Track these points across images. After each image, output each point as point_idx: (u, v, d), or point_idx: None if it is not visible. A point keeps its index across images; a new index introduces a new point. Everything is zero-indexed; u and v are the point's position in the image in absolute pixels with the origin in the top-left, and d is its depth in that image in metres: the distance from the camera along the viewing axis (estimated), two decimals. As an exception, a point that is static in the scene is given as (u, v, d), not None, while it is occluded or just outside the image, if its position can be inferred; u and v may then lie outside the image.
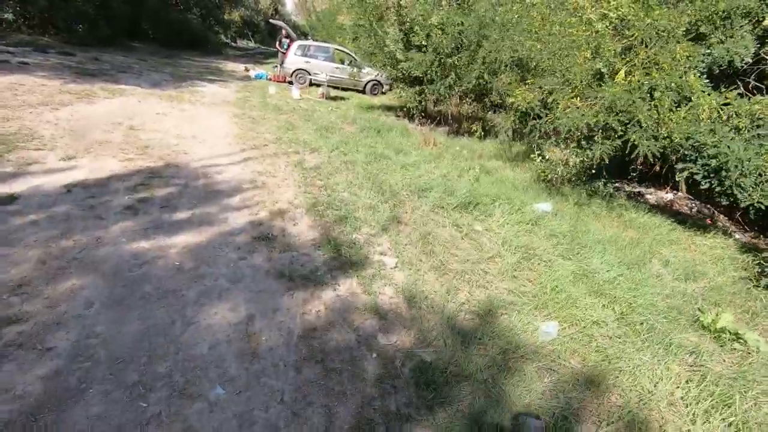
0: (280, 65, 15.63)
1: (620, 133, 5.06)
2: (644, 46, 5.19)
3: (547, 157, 7.20)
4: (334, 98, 13.50)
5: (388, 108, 12.82)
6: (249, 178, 5.54)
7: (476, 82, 9.12)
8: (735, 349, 3.26)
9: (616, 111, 5.04)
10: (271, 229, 4.31)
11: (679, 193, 7.54)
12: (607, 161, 5.29)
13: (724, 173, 4.76)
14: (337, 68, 14.98)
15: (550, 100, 5.78)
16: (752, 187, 4.66)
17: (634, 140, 4.95)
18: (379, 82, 15.52)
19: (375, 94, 15.79)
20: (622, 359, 2.94)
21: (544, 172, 7.08)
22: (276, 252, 3.91)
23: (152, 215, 4.15)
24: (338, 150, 7.39)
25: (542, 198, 6.37)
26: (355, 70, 13.12)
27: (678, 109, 4.96)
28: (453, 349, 2.88)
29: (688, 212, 7.21)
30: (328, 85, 13.65)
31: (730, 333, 3.29)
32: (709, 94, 4.97)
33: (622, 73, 5.31)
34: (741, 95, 4.98)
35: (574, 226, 5.25)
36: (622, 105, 4.89)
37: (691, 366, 3.00)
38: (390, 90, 15.29)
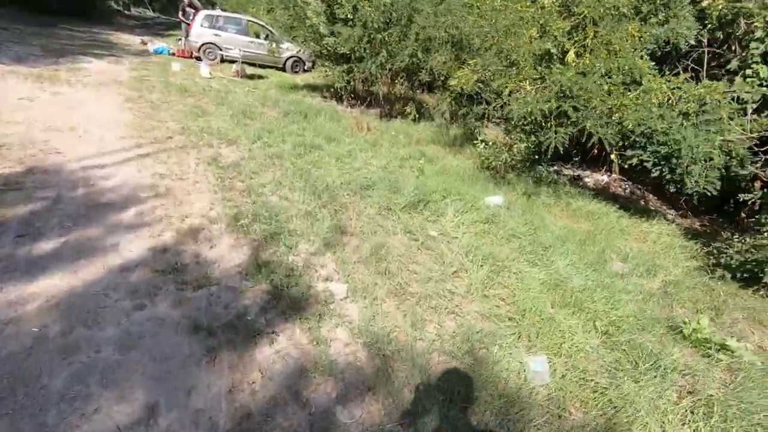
0: (185, 38, 13.61)
1: (574, 119, 4.71)
2: (593, 25, 4.83)
3: (490, 143, 6.80)
4: (251, 77, 12.04)
5: (313, 88, 11.71)
6: (148, 183, 4.38)
7: (409, 60, 8.43)
8: (721, 360, 3.03)
9: (570, 96, 4.66)
10: (180, 256, 3.33)
11: (613, 175, 7.62)
12: (561, 150, 4.94)
13: (674, 160, 4.62)
14: (251, 43, 13.38)
15: (497, 84, 5.28)
16: (699, 174, 4.57)
17: (590, 127, 4.62)
18: (300, 58, 14.21)
19: (296, 72, 14.47)
20: (624, 398, 2.53)
21: (488, 159, 6.68)
22: (189, 290, 2.97)
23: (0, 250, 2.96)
24: (261, 141, 6.34)
25: (490, 189, 5.96)
26: (273, 45, 11.74)
27: (628, 93, 4.70)
28: (436, 418, 2.25)
29: (623, 194, 7.30)
30: (243, 62, 12.13)
31: (715, 344, 3.05)
32: (655, 77, 4.77)
33: (572, 54, 4.94)
34: (687, 79, 4.88)
35: (530, 222, 4.87)
36: (577, 90, 4.50)
37: (690, 393, 2.68)
38: (313, 67, 14.07)
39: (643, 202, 7.01)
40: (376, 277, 3.43)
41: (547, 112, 4.82)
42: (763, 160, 4.73)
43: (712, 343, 3.07)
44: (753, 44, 4.87)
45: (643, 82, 4.72)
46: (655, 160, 4.83)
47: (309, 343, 2.66)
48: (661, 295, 3.95)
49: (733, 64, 5.10)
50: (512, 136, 6.05)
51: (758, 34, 4.81)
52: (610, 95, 4.72)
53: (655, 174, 4.86)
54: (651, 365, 2.83)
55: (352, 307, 3.07)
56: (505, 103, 5.34)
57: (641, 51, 4.77)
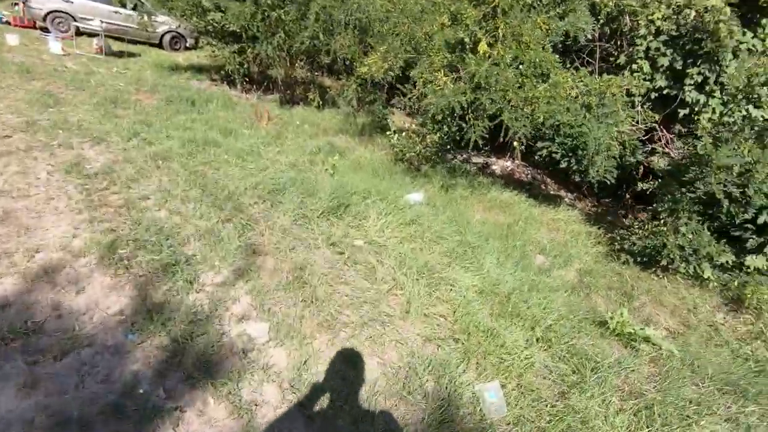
0: (23, 2, 10.97)
1: (491, 112, 4.62)
2: (504, 15, 4.74)
3: (402, 133, 6.55)
4: (119, 54, 10.17)
5: (199, 69, 10.31)
6: (-27, 206, 3.27)
7: (310, 42, 7.74)
8: (644, 350, 3.18)
9: (486, 88, 4.54)
10: (31, 310, 2.47)
11: (516, 161, 7.95)
12: (481, 143, 4.85)
13: (580, 152, 4.82)
14: (116, 13, 11.31)
15: (411, 73, 4.98)
16: (600, 164, 4.83)
17: (507, 121, 4.57)
18: (180, 34, 12.47)
19: (177, 50, 12.70)
20: (576, 414, 2.45)
21: (402, 151, 6.43)
22: (46, 362, 2.19)
23: None
24: (138, 137, 5.26)
25: (408, 185, 5.72)
26: (145, 17, 10.01)
27: (538, 86, 4.73)
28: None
29: (526, 179, 7.66)
30: (106, 36, 10.18)
31: (639, 336, 3.19)
32: (561, 71, 4.88)
33: (484, 44, 4.81)
34: (589, 73, 5.11)
35: (453, 220, 4.74)
36: (495, 82, 4.39)
37: (631, 394, 2.73)
38: (197, 45, 12.44)
39: (543, 187, 7.42)
40: (301, 307, 2.93)
41: (465, 104, 4.65)
42: (649, 149, 5.18)
43: (636, 336, 3.20)
44: (638, 41, 5.26)
45: (551, 75, 4.79)
46: (563, 151, 5.00)
47: (228, 416, 2.10)
48: (580, 286, 4.10)
49: (622, 59, 5.49)
50: (426, 127, 5.85)
51: (642, 31, 5.20)
52: (521, 88, 4.71)
53: (564, 165, 5.05)
54: (592, 370, 2.82)
55: (277, 353, 2.55)
56: (421, 93, 5.07)
57: (548, 43, 4.82)
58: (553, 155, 5.08)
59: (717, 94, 5.13)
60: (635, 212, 6.86)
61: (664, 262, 4.18)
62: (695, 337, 3.61)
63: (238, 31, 8.03)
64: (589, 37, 5.54)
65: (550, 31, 4.72)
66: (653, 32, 5.16)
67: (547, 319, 3.23)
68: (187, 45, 12.92)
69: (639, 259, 4.45)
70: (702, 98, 5.16)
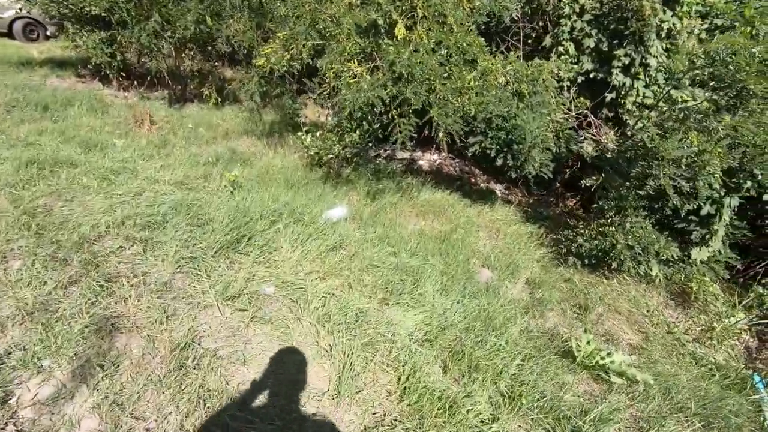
0: None
1: (417, 107, 3.92)
2: (420, -9, 4.02)
3: (318, 133, 5.65)
4: (-57, 48, 7.94)
5: (62, 64, 8.43)
6: None
7: (196, 28, 6.45)
8: (617, 383, 2.72)
9: (408, 80, 3.82)
10: None
11: (443, 154, 7.43)
12: (409, 143, 4.13)
13: (516, 146, 4.32)
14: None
15: (322, 63, 4.10)
16: (537, 158, 4.39)
17: (436, 117, 3.90)
18: (36, 20, 10.21)
19: (34, 40, 10.43)
20: None
21: (318, 153, 5.54)
22: None
23: None
24: (-53, 164, 3.81)
25: (329, 195, 4.88)
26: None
27: (466, 75, 4.12)
28: None
29: (455, 173, 7.18)
30: None
31: (609, 370, 2.73)
32: (490, 56, 4.32)
33: (401, 27, 4.07)
34: (519, 57, 4.61)
35: (384, 238, 4.02)
36: (420, 72, 3.68)
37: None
38: (61, 34, 10.26)
39: (473, 180, 6.99)
40: (182, 415, 2.01)
41: (386, 99, 3.90)
42: (582, 137, 4.87)
43: (606, 370, 2.74)
44: (562, 20, 4.87)
45: (478, 62, 4.20)
46: (498, 147, 4.48)
47: None
48: (534, 305, 3.61)
49: (547, 41, 5.09)
50: (343, 127, 5.03)
51: (565, 10, 4.81)
52: (449, 78, 4.06)
53: (500, 162, 4.54)
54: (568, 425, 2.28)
55: None
56: (333, 88, 4.22)
57: (472, 25, 4.21)
58: (487, 151, 4.55)
59: (641, 76, 4.92)
60: (566, 199, 6.70)
61: (614, 265, 3.83)
62: (659, 351, 3.29)
63: (103, 14, 6.49)
64: (514, 17, 5.06)
65: (474, 10, 4.10)
66: (577, 11, 4.80)
67: (510, 366, 2.64)
68: (48, 34, 10.67)
69: (587, 261, 4.09)
70: (628, 81, 4.92)
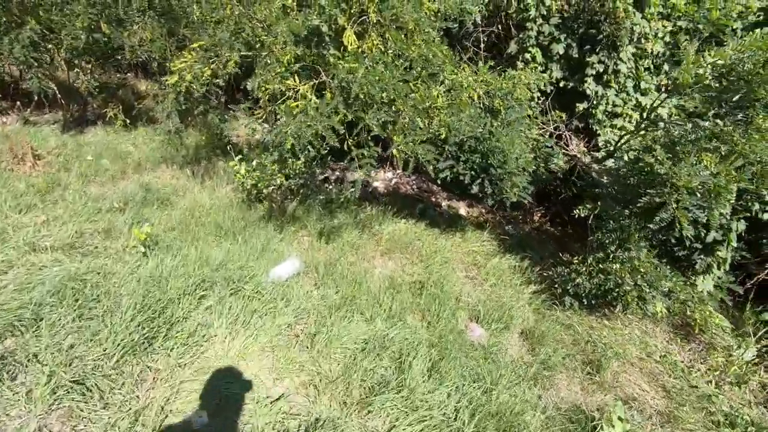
0: None
1: (377, 133, 3.15)
2: (372, -9, 3.26)
3: (253, 162, 4.68)
4: None
5: None
6: None
7: (89, 37, 5.20)
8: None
9: (369, 102, 3.04)
10: None
11: (398, 172, 6.74)
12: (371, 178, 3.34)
13: (495, 171, 3.69)
14: None
15: (252, 83, 3.20)
16: (518, 182, 3.80)
17: (403, 146, 3.16)
18: None
19: None
20: None
21: (256, 186, 4.58)
22: None
23: None
24: None
25: (273, 241, 3.96)
26: None
27: (432, 91, 3.42)
28: None
29: (413, 192, 6.51)
30: None
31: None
32: (459, 68, 3.67)
33: (351, 35, 3.28)
34: (492, 68, 3.97)
35: (350, 299, 3.21)
36: (380, 92, 2.91)
37: None
38: None
39: (434, 199, 6.35)
40: None
41: (340, 129, 3.09)
42: (560, 154, 4.35)
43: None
44: (528, 24, 4.33)
45: (445, 75, 3.51)
46: (473, 172, 3.82)
47: None
48: (540, 370, 2.97)
49: (513, 48, 4.54)
50: (284, 163, 4.15)
51: (531, 12, 4.27)
52: (410, 96, 3.33)
53: (475, 189, 3.88)
54: None
55: None
56: (270, 113, 3.33)
57: (436, 32, 3.51)
58: (460, 177, 3.89)
59: (612, 84, 4.52)
60: (533, 214, 6.26)
61: (619, 307, 3.31)
62: (688, 412, 2.77)
63: (-42, 21, 5.04)
64: (477, 20, 4.45)
65: (440, 14, 3.40)
66: (544, 14, 4.28)
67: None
68: None
69: (586, 301, 3.54)
70: (600, 90, 4.50)
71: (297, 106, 3.05)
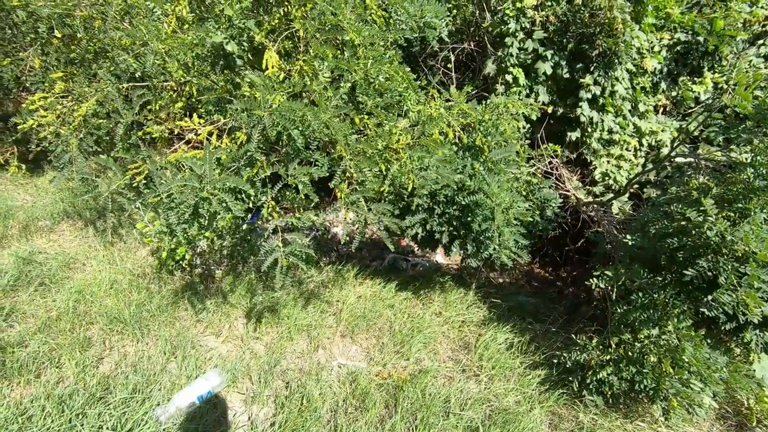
0: None
1: (307, 192, 2.20)
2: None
3: (165, 223, 3.60)
4: None
5: None
6: None
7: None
8: None
9: (295, 146, 2.10)
10: None
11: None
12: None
13: (479, 226, 2.78)
14: None
15: (120, 131, 2.21)
16: (509, 237, 2.89)
17: (347, 206, 2.22)
18: None
19: None
20: None
21: (171, 257, 3.49)
22: None
23: None
24: None
25: (191, 329, 2.89)
26: None
27: (391, 126, 2.50)
28: None
29: (378, 235, 5.55)
30: None
31: None
32: (428, 97, 2.79)
33: (273, 56, 2.34)
34: (471, 95, 3.09)
35: (302, 427, 2.18)
36: (311, 131, 1.98)
37: None
38: None
39: (403, 242, 5.40)
40: None
41: (258, 182, 2.12)
42: (557, 196, 3.48)
43: None
44: (507, 40, 3.53)
45: (409, 105, 2.61)
46: (451, 229, 2.90)
47: None
48: None
49: (490, 68, 3.72)
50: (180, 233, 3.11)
51: (510, 26, 3.48)
52: (363, 135, 2.42)
53: (455, 250, 2.96)
54: None
55: None
56: (161, 168, 2.32)
57: (391, 47, 2.63)
58: (435, 236, 2.96)
59: (609, 107, 3.76)
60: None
61: (658, 411, 2.41)
62: None
63: None
64: (443, 36, 3.61)
65: (393, 22, 2.52)
66: (526, 27, 3.49)
67: None
68: None
69: (612, 400, 2.62)
70: (595, 115, 3.72)
71: (190, 157, 2.06)
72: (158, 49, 2.06)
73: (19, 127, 2.58)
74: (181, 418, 2.20)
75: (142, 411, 2.17)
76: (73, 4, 2.45)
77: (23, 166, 5.08)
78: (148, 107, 2.48)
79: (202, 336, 3.02)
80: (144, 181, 2.41)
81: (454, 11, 3.72)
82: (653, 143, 4.14)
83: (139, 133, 2.37)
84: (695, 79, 4.28)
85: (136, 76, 2.42)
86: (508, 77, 3.62)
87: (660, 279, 2.46)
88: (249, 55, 2.37)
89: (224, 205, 2.02)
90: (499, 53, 3.61)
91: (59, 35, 2.71)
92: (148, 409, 2.20)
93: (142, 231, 3.76)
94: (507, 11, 3.45)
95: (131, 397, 2.29)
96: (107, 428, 2.03)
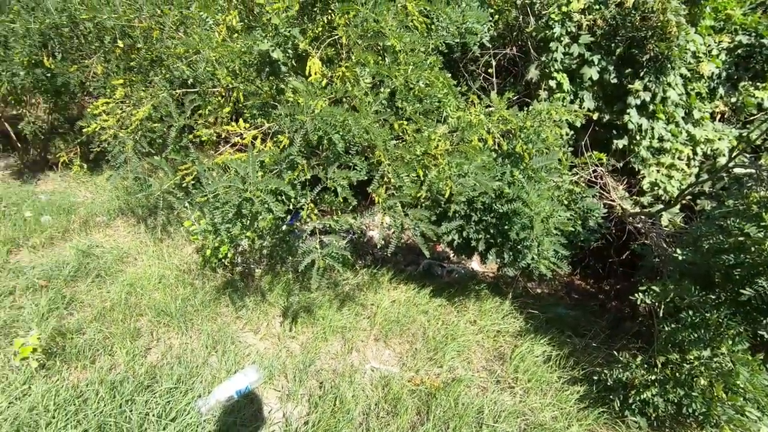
0: None
1: (346, 196, 2.24)
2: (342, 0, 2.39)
3: (210, 222, 3.77)
4: None
5: None
6: None
7: (29, 72, 4.45)
8: None
9: (336, 150, 2.14)
10: None
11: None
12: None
13: (516, 234, 2.72)
14: None
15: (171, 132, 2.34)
16: (548, 247, 2.81)
17: (386, 210, 2.24)
18: None
19: None
20: None
21: (215, 255, 3.65)
22: None
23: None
24: None
25: (232, 333, 3.00)
26: None
27: (431, 133, 2.50)
28: None
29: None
30: None
31: None
32: (468, 103, 2.77)
33: (316, 63, 2.40)
34: (512, 101, 3.06)
35: (327, 430, 2.22)
36: (352, 137, 2.02)
37: None
38: None
39: (441, 246, 5.36)
40: None
41: (290, 192, 2.18)
42: (601, 206, 3.36)
43: None
44: (552, 45, 3.45)
45: (448, 111, 2.61)
46: (488, 237, 2.86)
47: None
48: None
49: (532, 73, 3.65)
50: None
51: (555, 30, 3.40)
52: (403, 141, 2.44)
53: (491, 258, 2.91)
54: None
55: None
56: (208, 169, 2.44)
57: (432, 53, 2.64)
58: (472, 243, 2.93)
59: (661, 115, 3.58)
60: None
61: (710, 437, 2.26)
62: None
63: None
64: (485, 42, 3.58)
65: (434, 28, 2.53)
66: (572, 31, 3.40)
67: None
68: None
69: (657, 423, 2.49)
70: (644, 122, 3.56)
71: (236, 160, 2.15)
72: (209, 56, 2.18)
73: (84, 131, 2.79)
74: (219, 410, 2.29)
75: (185, 402, 2.28)
76: (134, 16, 2.64)
77: (84, 165, 5.46)
78: (198, 112, 2.62)
79: (241, 332, 3.12)
80: (192, 182, 2.54)
81: (497, 16, 3.68)
82: (708, 152, 3.90)
83: (190, 136, 2.51)
84: (758, 84, 4.01)
85: (188, 82, 2.57)
86: (552, 83, 3.53)
87: (713, 297, 2.31)
88: (293, 62, 2.45)
89: (266, 206, 2.09)
90: (543, 58, 3.53)
91: (121, 45, 2.93)
92: (191, 400, 2.30)
93: (188, 229, 3.94)
94: (552, 15, 3.38)
95: (175, 388, 2.41)
96: (153, 415, 2.14)
